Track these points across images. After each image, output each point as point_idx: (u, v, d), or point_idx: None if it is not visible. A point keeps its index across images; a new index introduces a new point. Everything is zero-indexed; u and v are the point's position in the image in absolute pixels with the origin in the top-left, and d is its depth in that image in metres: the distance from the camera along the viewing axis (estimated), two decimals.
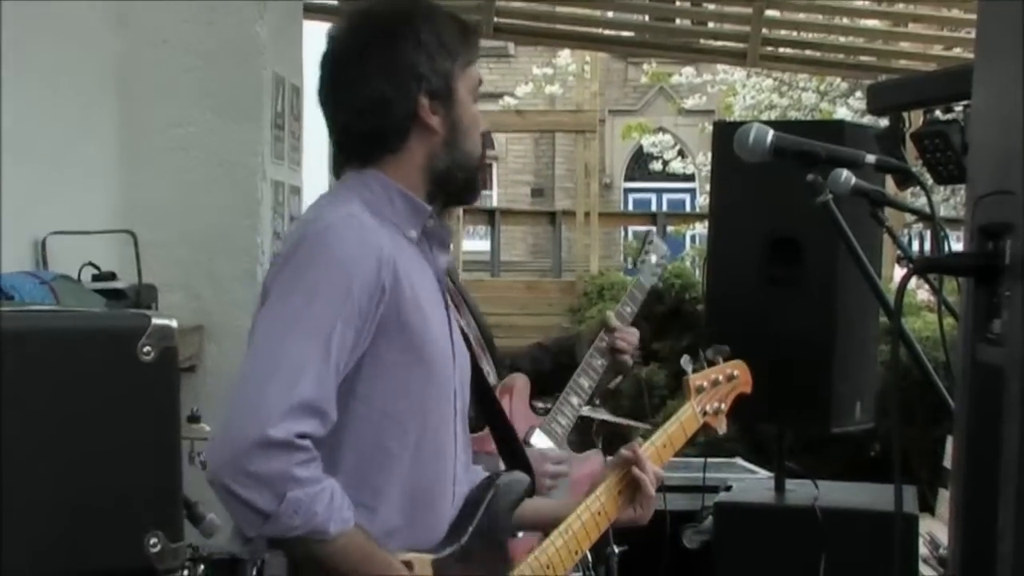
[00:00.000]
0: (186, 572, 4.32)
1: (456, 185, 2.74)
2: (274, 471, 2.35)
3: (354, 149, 2.71)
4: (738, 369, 3.63)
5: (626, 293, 3.96)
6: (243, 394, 2.44)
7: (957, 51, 8.64)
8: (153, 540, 2.42)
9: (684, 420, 3.43)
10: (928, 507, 6.51)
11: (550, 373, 3.92)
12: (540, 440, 3.56)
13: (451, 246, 2.83)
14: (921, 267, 2.33)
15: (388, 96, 2.64)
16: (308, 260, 2.53)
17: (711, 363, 3.60)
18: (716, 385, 3.54)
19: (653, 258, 3.95)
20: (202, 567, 4.62)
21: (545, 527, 2.92)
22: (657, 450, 3.28)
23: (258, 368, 2.46)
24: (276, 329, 2.49)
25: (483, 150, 2.79)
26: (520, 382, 3.76)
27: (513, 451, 3.02)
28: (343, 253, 2.51)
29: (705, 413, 3.50)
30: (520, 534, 3.11)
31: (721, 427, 3.58)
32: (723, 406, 3.56)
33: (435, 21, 2.71)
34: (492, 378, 3.73)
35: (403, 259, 2.59)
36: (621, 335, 4.01)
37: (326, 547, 2.43)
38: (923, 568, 5.39)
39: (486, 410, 3.18)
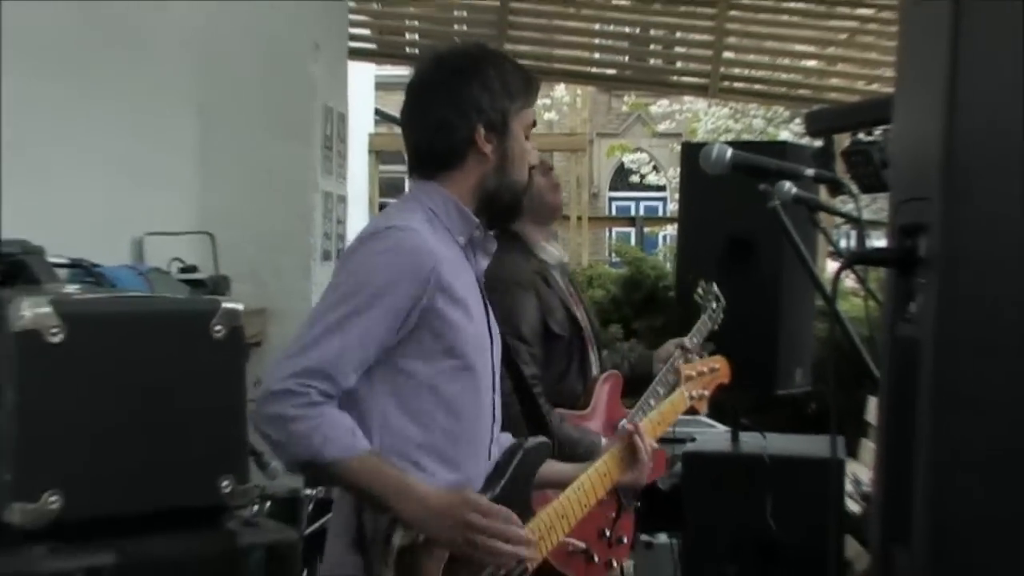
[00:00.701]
0: (255, 508, 4.31)
1: (501, 205, 2.72)
2: (276, 412, 2.34)
3: (422, 164, 2.69)
4: (720, 363, 3.63)
5: (695, 328, 3.87)
6: (284, 355, 2.43)
7: (876, 86, 8.63)
8: (225, 482, 2.41)
9: (675, 401, 3.42)
10: (853, 453, 6.49)
11: (627, 380, 3.82)
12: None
13: (492, 253, 2.79)
14: (852, 259, 2.30)
15: (452, 122, 2.63)
16: (363, 259, 2.53)
17: (700, 356, 3.61)
18: (702, 375, 3.54)
19: (714, 304, 3.86)
20: (268, 504, 4.62)
21: (562, 485, 2.89)
22: (652, 425, 3.26)
23: (297, 335, 2.45)
24: (320, 307, 2.49)
25: (529, 180, 2.78)
26: (616, 379, 3.71)
27: (539, 421, 3.00)
28: (394, 259, 2.49)
29: (692, 398, 3.49)
30: None
31: (703, 409, 3.57)
32: (706, 392, 3.56)
33: (502, 68, 2.71)
34: (595, 368, 3.69)
35: (449, 261, 2.57)
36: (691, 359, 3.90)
37: (335, 469, 2.40)
38: (848, 502, 5.38)
39: (519, 387, 3.18)
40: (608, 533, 3.51)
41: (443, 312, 2.54)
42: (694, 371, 3.53)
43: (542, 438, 2.85)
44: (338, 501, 2.61)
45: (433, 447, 2.56)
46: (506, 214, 2.77)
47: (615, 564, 3.55)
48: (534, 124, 2.78)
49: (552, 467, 2.91)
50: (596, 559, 3.46)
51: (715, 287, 3.80)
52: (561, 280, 3.61)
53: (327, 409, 2.41)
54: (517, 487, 2.69)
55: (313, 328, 2.44)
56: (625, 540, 3.58)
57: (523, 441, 2.80)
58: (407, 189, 2.74)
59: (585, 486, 2.91)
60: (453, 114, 2.63)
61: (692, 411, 3.56)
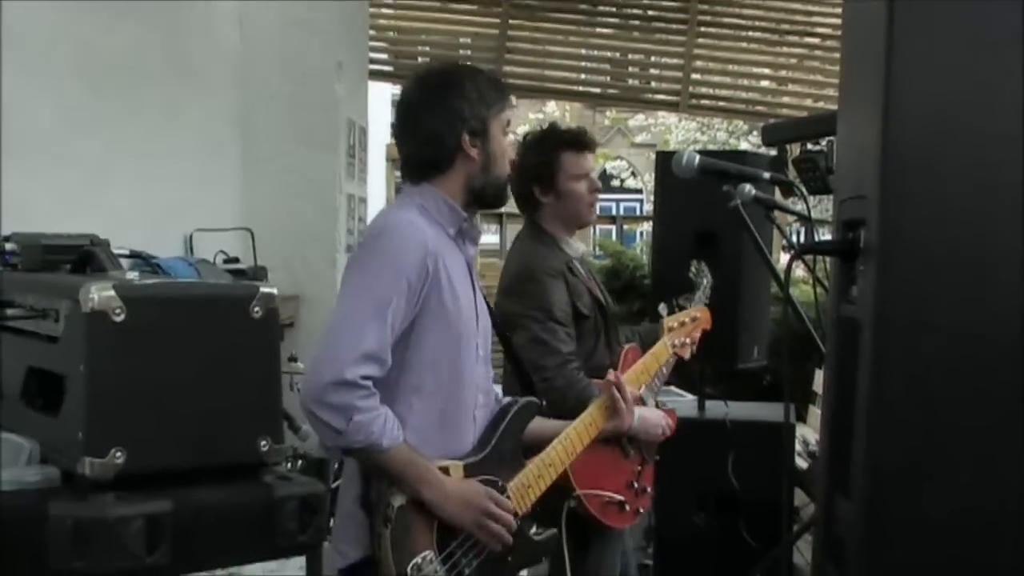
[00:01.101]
0: (288, 466, 4.32)
1: (488, 198, 2.73)
2: (343, 402, 2.35)
3: (414, 170, 2.69)
4: (700, 312, 3.63)
5: (694, 300, 3.74)
6: (325, 345, 2.42)
7: (822, 104, 8.63)
8: (263, 442, 2.41)
9: (656, 352, 3.41)
10: (802, 418, 6.50)
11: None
12: (646, 394, 3.54)
13: (478, 240, 2.79)
14: (803, 250, 2.31)
15: (440, 132, 2.63)
16: (375, 249, 2.52)
17: (681, 308, 3.58)
18: (684, 325, 3.53)
19: (704, 281, 3.82)
20: (300, 463, 4.62)
21: (549, 440, 2.90)
22: (636, 375, 3.26)
23: (336, 327, 2.44)
24: (350, 298, 2.47)
25: (509, 174, 2.79)
26: (636, 351, 3.67)
27: (526, 382, 3.01)
28: (400, 246, 2.50)
29: (675, 346, 3.49)
30: None
31: (687, 355, 3.58)
32: (688, 340, 3.56)
33: (477, 80, 2.70)
34: (615, 345, 3.63)
35: (443, 250, 2.57)
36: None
37: (381, 456, 2.42)
38: (798, 460, 5.40)
39: (511, 357, 3.20)
40: (635, 484, 3.50)
41: (442, 293, 2.54)
42: (676, 322, 3.51)
43: (531, 398, 2.84)
44: (349, 463, 2.62)
45: (428, 415, 2.57)
46: (492, 204, 2.77)
47: (640, 511, 3.54)
48: (509, 123, 2.77)
49: (543, 424, 2.91)
50: (627, 507, 3.46)
51: (705, 266, 3.75)
52: (582, 269, 3.59)
53: (379, 401, 2.43)
54: (507, 443, 2.70)
55: (353, 318, 2.43)
56: (648, 490, 3.57)
57: (514, 401, 2.80)
58: (386, 196, 2.77)
59: (571, 436, 2.94)
60: (441, 125, 2.63)
61: (678, 359, 3.58)
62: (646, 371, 3.34)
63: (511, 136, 2.80)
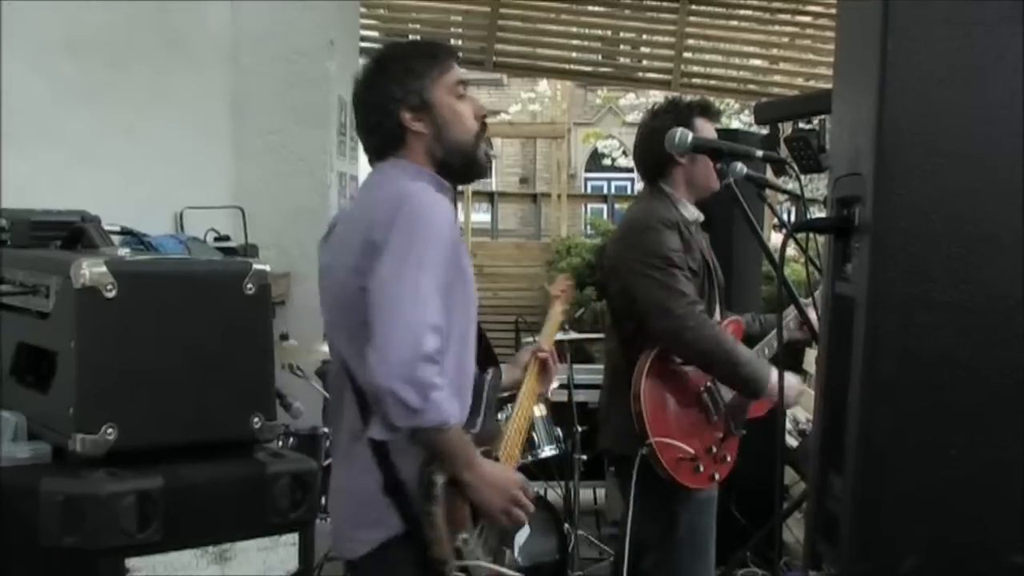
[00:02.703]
0: (279, 443, 4.32)
1: (456, 166, 2.64)
2: (425, 378, 2.27)
3: (376, 153, 2.66)
4: (565, 280, 3.72)
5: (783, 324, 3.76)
6: (393, 320, 2.31)
7: (813, 82, 8.65)
8: (256, 419, 2.41)
9: (552, 319, 3.47)
10: None
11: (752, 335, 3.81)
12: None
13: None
14: (798, 227, 2.30)
15: (378, 119, 2.60)
16: (413, 223, 2.40)
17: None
18: (563, 292, 3.63)
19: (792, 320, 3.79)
20: (291, 439, 4.63)
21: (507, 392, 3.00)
22: (546, 339, 3.25)
23: (401, 301, 2.33)
24: (408, 273, 2.35)
25: (479, 132, 2.67)
26: (738, 324, 3.74)
27: (489, 355, 2.99)
28: (437, 216, 2.43)
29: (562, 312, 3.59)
30: None
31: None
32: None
33: (403, 54, 2.68)
34: (718, 314, 3.68)
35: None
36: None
37: (443, 435, 2.35)
38: (788, 438, 5.42)
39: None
40: (715, 450, 3.55)
41: (465, 267, 2.53)
42: (556, 290, 3.63)
43: (496, 369, 2.81)
44: (351, 450, 2.50)
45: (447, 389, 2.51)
46: (466, 173, 2.70)
47: (717, 477, 3.57)
48: (461, 82, 2.66)
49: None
50: (702, 469, 3.50)
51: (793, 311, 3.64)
52: (697, 235, 3.63)
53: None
54: (490, 416, 2.69)
55: (416, 292, 2.33)
56: (729, 459, 3.62)
57: (485, 376, 2.75)
58: (377, 171, 2.68)
59: (523, 403, 2.99)
60: (376, 112, 2.60)
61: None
62: (550, 335, 3.36)
63: (466, 94, 2.69)
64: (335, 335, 2.54)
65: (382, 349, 2.28)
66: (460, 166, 2.64)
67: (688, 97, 3.77)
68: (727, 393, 3.58)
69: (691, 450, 3.44)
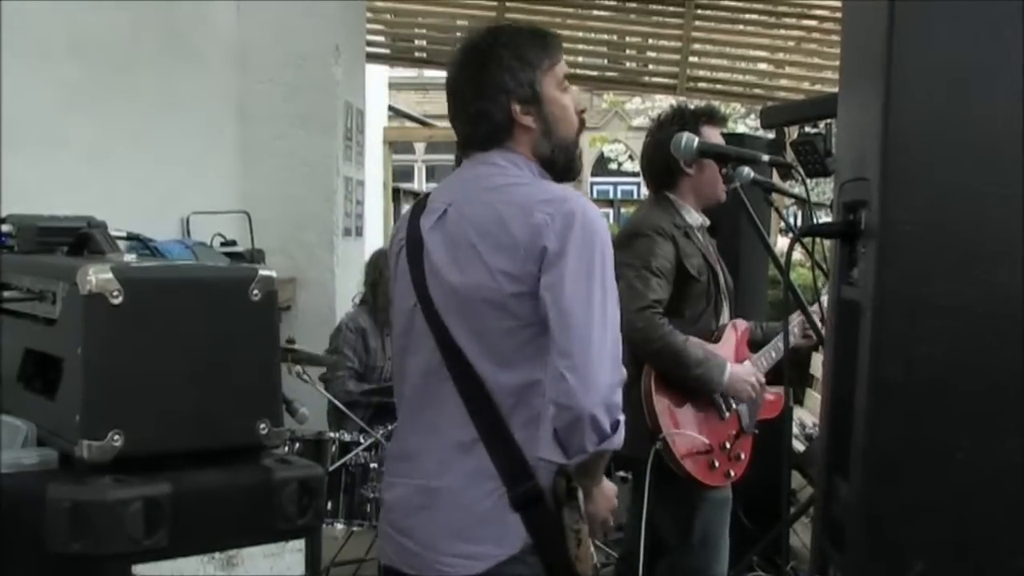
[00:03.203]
0: (285, 449, 4.32)
1: (559, 165, 2.50)
2: (618, 403, 2.22)
3: (477, 144, 2.48)
4: None
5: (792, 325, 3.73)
6: (594, 347, 2.21)
7: (819, 86, 8.65)
8: (262, 425, 2.40)
9: None
10: (799, 401, 6.52)
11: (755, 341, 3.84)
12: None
13: None
14: (804, 232, 2.30)
15: (487, 109, 2.43)
16: (592, 240, 2.28)
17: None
18: None
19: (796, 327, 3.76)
20: (297, 445, 4.62)
21: None
22: None
23: (598, 327, 2.22)
24: (596, 299, 2.24)
25: (580, 130, 2.56)
26: (747, 329, 3.76)
27: None
28: (605, 227, 2.35)
29: None
30: None
31: None
32: None
33: (515, 42, 2.48)
34: (727, 318, 3.70)
35: None
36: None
37: (606, 456, 2.30)
38: (795, 442, 5.41)
39: None
40: (728, 447, 3.56)
41: None
42: None
43: None
44: (458, 459, 2.36)
45: None
46: (566, 173, 2.54)
47: (732, 475, 3.58)
48: (565, 76, 2.54)
49: None
50: (717, 465, 3.51)
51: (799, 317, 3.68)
52: (703, 240, 3.64)
53: None
54: None
55: (613, 319, 2.26)
56: (743, 457, 3.63)
57: None
58: (476, 157, 2.49)
59: None
60: (485, 103, 2.43)
61: None
62: None
63: (572, 89, 2.58)
64: (455, 332, 2.35)
65: (584, 375, 2.18)
66: (563, 165, 2.52)
67: (693, 104, 3.77)
68: None
69: (706, 441, 3.44)
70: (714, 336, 3.63)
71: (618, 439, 2.22)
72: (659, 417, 3.41)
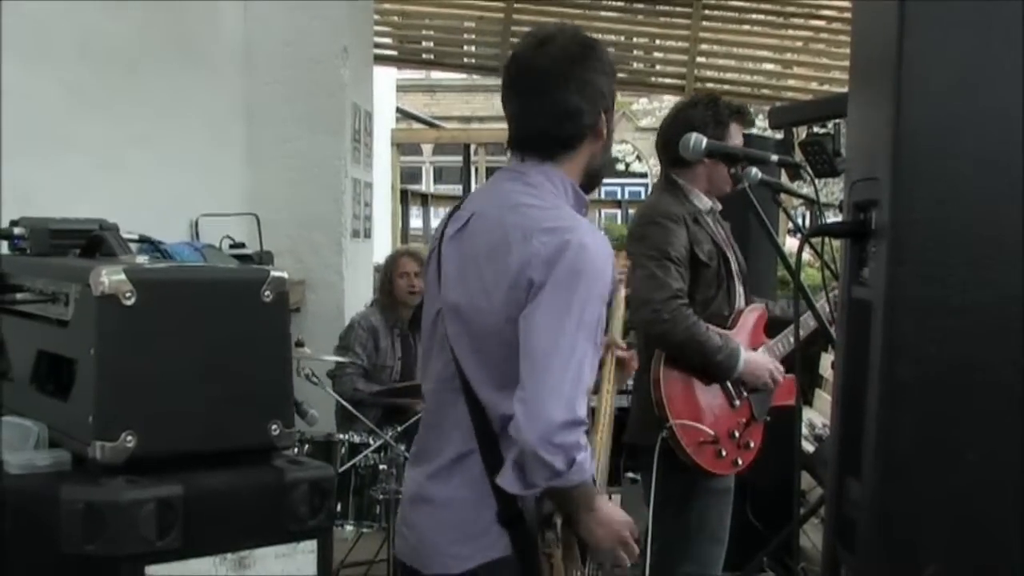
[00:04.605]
0: (295, 449, 4.33)
1: (596, 180, 2.51)
2: (571, 442, 2.17)
3: (542, 146, 2.40)
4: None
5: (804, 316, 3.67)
6: (548, 380, 2.17)
7: (827, 86, 8.65)
8: (274, 426, 2.41)
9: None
10: (808, 402, 6.52)
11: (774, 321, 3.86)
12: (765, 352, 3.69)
13: None
14: (814, 232, 2.30)
15: (583, 109, 2.36)
16: (578, 275, 2.23)
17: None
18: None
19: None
20: (306, 446, 4.64)
21: None
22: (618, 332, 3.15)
23: (558, 362, 2.18)
24: (567, 333, 2.20)
25: None
26: (762, 312, 3.78)
27: None
28: (600, 263, 2.27)
29: None
30: None
31: None
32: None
33: (606, 52, 2.47)
34: (741, 301, 3.73)
35: None
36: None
37: (580, 490, 2.27)
38: (804, 443, 5.41)
39: None
40: (737, 435, 3.56)
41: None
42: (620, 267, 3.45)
43: None
44: (457, 466, 2.37)
45: None
46: (592, 187, 2.54)
47: (740, 463, 3.57)
48: None
49: None
50: (724, 454, 3.51)
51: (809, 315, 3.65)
52: (712, 224, 3.66)
53: None
54: None
55: (574, 352, 2.19)
56: (752, 445, 3.62)
57: None
58: (517, 169, 2.43)
59: (607, 401, 2.78)
60: (584, 103, 2.36)
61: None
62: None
63: None
64: (458, 349, 2.35)
65: (533, 409, 2.16)
66: (598, 180, 2.53)
67: (727, 98, 3.78)
68: None
69: (711, 431, 3.44)
70: (729, 321, 3.65)
71: (576, 478, 2.20)
72: (666, 405, 3.42)
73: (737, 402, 3.57)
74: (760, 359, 3.57)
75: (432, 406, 2.50)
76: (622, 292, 3.24)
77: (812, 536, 5.07)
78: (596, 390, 2.75)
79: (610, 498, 5.89)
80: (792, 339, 3.68)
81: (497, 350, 2.27)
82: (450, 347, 2.37)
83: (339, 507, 4.56)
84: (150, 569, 2.15)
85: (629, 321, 3.62)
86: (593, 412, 2.76)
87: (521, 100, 2.41)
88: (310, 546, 2.47)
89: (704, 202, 3.65)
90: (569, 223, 2.30)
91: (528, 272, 2.23)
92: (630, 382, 3.59)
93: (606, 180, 27.04)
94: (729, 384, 3.56)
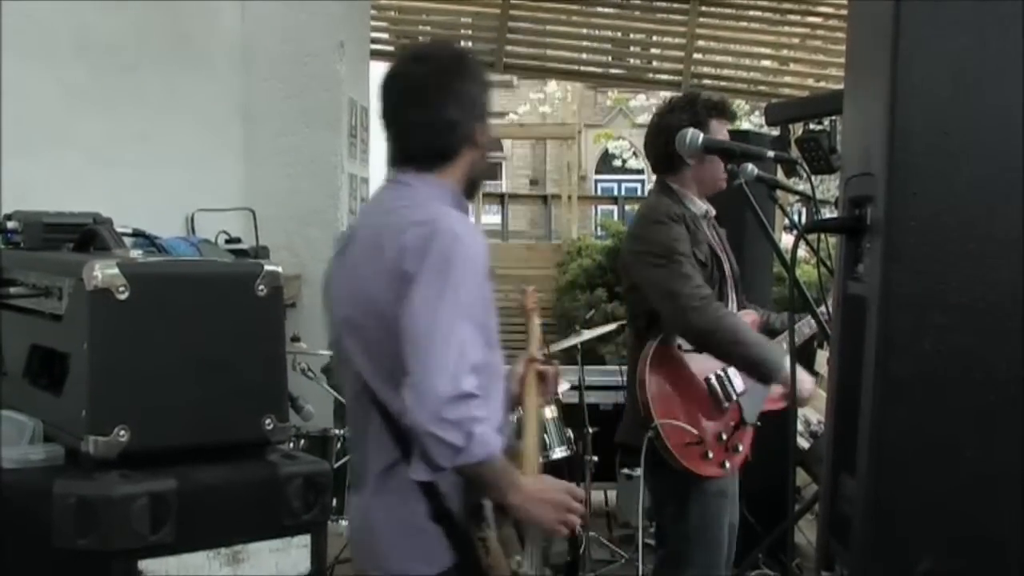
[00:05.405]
0: (291, 445, 4.33)
1: (475, 188, 2.57)
2: (464, 416, 2.19)
3: (422, 159, 2.46)
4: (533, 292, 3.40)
5: (802, 322, 3.70)
6: (428, 360, 2.21)
7: (823, 83, 8.65)
8: (268, 420, 2.41)
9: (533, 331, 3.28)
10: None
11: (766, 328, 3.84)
12: None
13: None
14: (810, 227, 2.30)
15: (460, 121, 2.43)
16: (450, 256, 2.27)
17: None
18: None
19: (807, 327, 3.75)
20: (302, 441, 4.63)
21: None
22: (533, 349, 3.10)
23: (438, 339, 2.22)
24: (444, 315, 2.24)
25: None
26: (753, 316, 3.77)
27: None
28: (476, 250, 2.32)
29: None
30: None
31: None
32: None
33: (479, 64, 2.56)
34: (734, 306, 3.70)
35: None
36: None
37: (489, 466, 2.27)
38: (799, 440, 5.41)
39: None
40: (725, 438, 3.54)
41: (488, 296, 2.40)
42: (531, 303, 3.32)
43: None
44: (385, 483, 2.39)
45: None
46: (473, 195, 2.61)
47: (728, 466, 3.54)
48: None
49: None
50: (711, 455, 3.49)
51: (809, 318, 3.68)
52: (707, 228, 3.65)
53: None
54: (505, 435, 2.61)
55: (452, 329, 2.23)
56: (741, 449, 3.60)
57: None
58: (397, 179, 2.50)
59: (531, 417, 2.75)
60: (461, 114, 2.43)
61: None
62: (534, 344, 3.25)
63: None
64: (358, 361, 2.38)
65: (419, 390, 2.19)
66: (478, 187, 2.59)
67: (706, 94, 3.75)
68: (739, 382, 3.58)
69: (696, 432, 3.44)
70: None
71: (480, 451, 2.22)
72: (651, 406, 3.41)
73: (725, 405, 3.55)
74: (805, 376, 3.53)
75: (352, 427, 2.51)
76: (535, 319, 3.20)
77: (807, 533, 5.07)
78: (518, 403, 2.78)
79: (606, 495, 5.90)
80: (784, 344, 3.67)
81: (390, 350, 2.29)
82: (353, 362, 2.38)
83: (334, 502, 4.56)
84: (143, 563, 2.15)
85: (633, 316, 3.63)
86: (519, 422, 2.81)
87: (399, 116, 2.49)
88: (304, 541, 2.47)
89: (699, 206, 3.64)
90: (438, 214, 2.36)
91: (403, 264, 2.28)
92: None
93: (602, 176, 27.10)
94: (716, 386, 3.55)
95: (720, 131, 3.60)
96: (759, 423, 3.65)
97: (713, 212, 3.69)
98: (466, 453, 2.20)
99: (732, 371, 3.57)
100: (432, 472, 2.24)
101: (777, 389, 3.59)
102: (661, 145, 3.57)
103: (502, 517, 2.38)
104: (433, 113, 2.43)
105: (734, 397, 3.57)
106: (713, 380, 3.55)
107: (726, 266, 3.66)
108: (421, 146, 2.46)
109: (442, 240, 2.29)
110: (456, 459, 2.21)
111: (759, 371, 3.46)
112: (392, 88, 2.49)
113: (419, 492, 2.32)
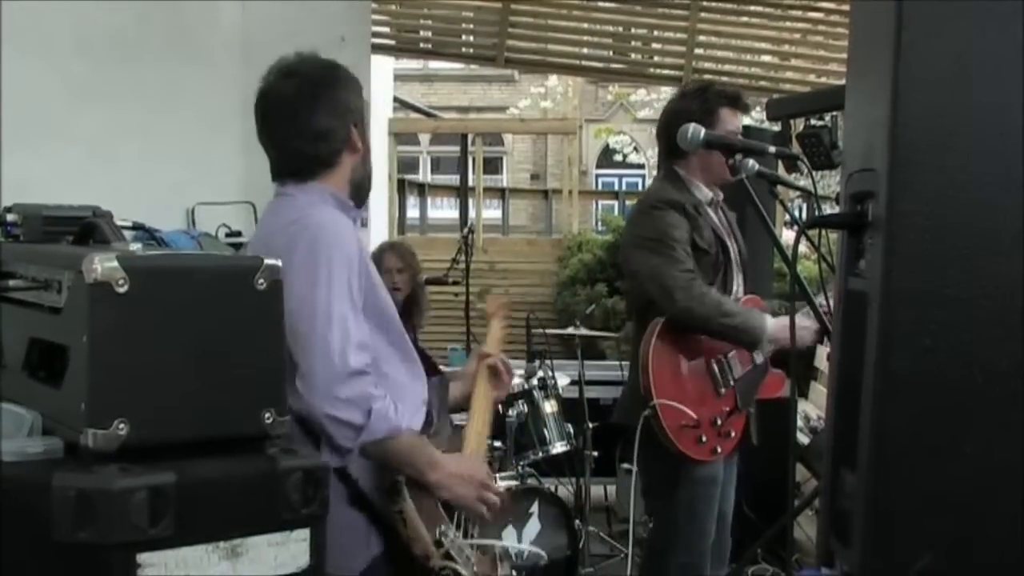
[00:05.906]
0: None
1: (363, 191, 2.64)
2: (359, 393, 2.28)
3: (303, 169, 2.57)
4: (499, 299, 3.52)
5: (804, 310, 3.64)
6: (315, 344, 2.33)
7: (825, 79, 8.65)
8: (267, 414, 2.39)
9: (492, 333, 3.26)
10: (804, 394, 6.52)
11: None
12: None
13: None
14: (811, 223, 2.30)
15: (333, 128, 2.54)
16: (315, 243, 2.40)
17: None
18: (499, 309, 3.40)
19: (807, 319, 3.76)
20: None
21: (462, 405, 2.87)
22: (492, 346, 3.12)
23: (319, 325, 2.34)
24: (320, 299, 2.36)
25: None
26: (756, 302, 3.79)
27: (430, 364, 2.94)
28: (337, 231, 2.42)
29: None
30: None
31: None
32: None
33: (347, 69, 2.65)
34: (740, 290, 3.74)
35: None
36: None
37: (395, 443, 2.35)
38: (799, 435, 5.41)
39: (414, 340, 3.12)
40: (720, 423, 3.57)
41: (376, 286, 2.50)
42: (493, 308, 3.40)
43: (442, 377, 2.86)
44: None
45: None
46: (363, 198, 2.68)
47: (719, 451, 3.58)
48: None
49: (453, 392, 2.87)
50: (704, 440, 3.52)
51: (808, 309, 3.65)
52: (714, 213, 3.68)
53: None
54: (442, 424, 2.67)
55: (332, 313, 2.34)
56: (733, 435, 3.64)
57: (435, 381, 2.75)
58: (281, 192, 2.61)
59: (477, 409, 2.84)
60: (334, 121, 2.53)
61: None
62: (493, 342, 3.18)
63: None
64: None
65: (309, 375, 2.29)
66: (365, 191, 2.66)
67: (721, 84, 3.78)
68: (738, 368, 3.60)
69: (694, 415, 3.45)
70: None
71: (381, 426, 2.29)
72: (652, 385, 3.43)
73: (723, 390, 3.58)
74: (802, 321, 3.53)
75: None
76: (495, 323, 3.20)
77: (807, 528, 5.07)
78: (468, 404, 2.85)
79: (605, 489, 5.90)
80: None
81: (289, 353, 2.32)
82: None
83: None
84: (142, 557, 2.14)
85: (633, 301, 3.66)
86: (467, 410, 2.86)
87: (276, 130, 2.58)
88: (303, 534, 2.46)
89: (704, 192, 3.66)
90: (307, 212, 2.46)
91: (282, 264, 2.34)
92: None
93: (603, 171, 27.08)
94: (716, 371, 3.57)
95: (731, 121, 3.63)
96: (752, 409, 3.67)
97: (721, 196, 3.72)
98: (367, 431, 2.29)
99: (733, 357, 3.59)
100: (341, 457, 2.31)
101: (772, 377, 3.66)
102: (670, 133, 3.58)
103: (423, 492, 2.42)
104: (304, 123, 2.53)
105: (732, 383, 3.59)
106: (714, 365, 3.57)
107: (732, 251, 3.68)
108: (296, 157, 2.56)
109: (309, 233, 2.40)
110: (361, 437, 2.29)
111: (744, 339, 3.55)
112: (263, 105, 2.62)
113: (335, 481, 2.36)
